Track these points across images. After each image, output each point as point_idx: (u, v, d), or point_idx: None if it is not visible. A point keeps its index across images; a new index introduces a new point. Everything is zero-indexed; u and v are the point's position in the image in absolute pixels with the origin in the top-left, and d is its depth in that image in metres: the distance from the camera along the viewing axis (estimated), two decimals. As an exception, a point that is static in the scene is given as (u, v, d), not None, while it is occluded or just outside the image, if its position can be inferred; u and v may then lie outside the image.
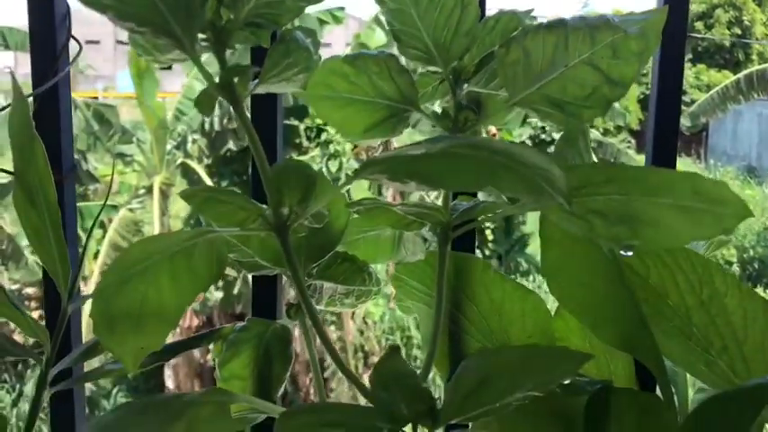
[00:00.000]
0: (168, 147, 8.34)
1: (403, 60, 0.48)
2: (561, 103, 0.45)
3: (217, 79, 0.37)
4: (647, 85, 17.86)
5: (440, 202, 0.46)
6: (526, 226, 9.97)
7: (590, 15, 0.45)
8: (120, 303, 0.40)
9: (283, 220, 0.39)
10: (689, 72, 17.64)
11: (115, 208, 8.28)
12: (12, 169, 0.48)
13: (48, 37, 0.57)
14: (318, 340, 0.46)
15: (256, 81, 0.41)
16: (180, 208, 8.54)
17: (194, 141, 8.46)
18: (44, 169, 0.45)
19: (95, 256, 7.97)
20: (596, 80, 0.44)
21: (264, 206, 0.40)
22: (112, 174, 7.03)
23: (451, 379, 0.42)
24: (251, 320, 0.52)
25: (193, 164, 8.40)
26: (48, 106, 0.57)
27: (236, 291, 7.67)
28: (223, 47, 0.38)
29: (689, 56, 18.06)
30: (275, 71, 0.41)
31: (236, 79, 0.37)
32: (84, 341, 0.57)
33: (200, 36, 0.38)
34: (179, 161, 8.42)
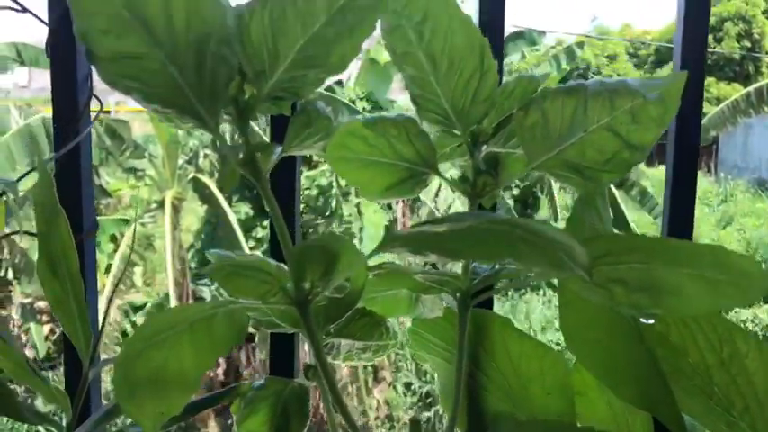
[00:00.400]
0: (180, 161, 8.38)
1: (421, 122, 0.48)
2: (580, 167, 0.45)
3: (240, 154, 0.38)
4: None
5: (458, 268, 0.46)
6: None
7: (608, 79, 0.45)
8: (141, 371, 0.41)
9: (305, 295, 0.40)
10: (699, 85, 17.57)
11: (127, 222, 8.33)
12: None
13: (70, 98, 0.57)
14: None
15: (278, 151, 0.41)
16: (191, 222, 8.57)
17: (206, 156, 8.50)
18: (67, 240, 0.45)
19: (107, 269, 8.01)
20: (616, 145, 0.44)
21: (285, 272, 0.40)
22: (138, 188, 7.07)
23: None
24: (269, 379, 0.52)
25: (205, 178, 8.44)
26: (69, 166, 0.58)
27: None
28: (246, 122, 0.38)
29: (699, 68, 17.99)
30: (296, 141, 0.41)
31: (258, 155, 0.38)
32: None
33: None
34: (190, 176, 8.46)
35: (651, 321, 0.47)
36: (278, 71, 0.38)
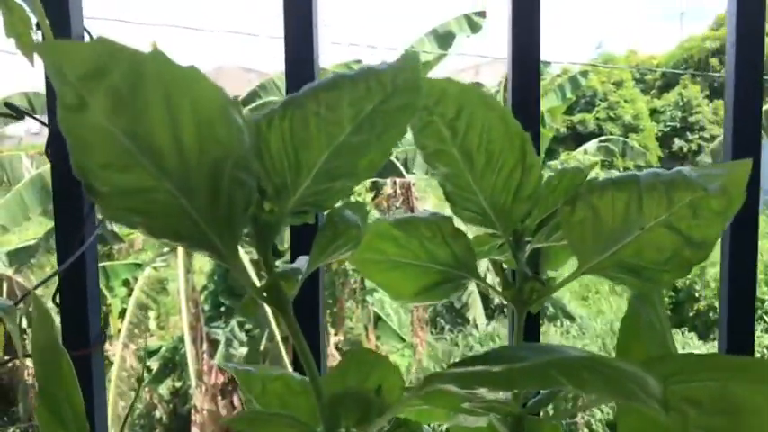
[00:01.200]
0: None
1: (456, 220, 0.44)
2: (637, 268, 0.41)
3: (257, 280, 0.33)
4: (665, 123, 17.83)
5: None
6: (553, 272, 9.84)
7: (662, 170, 0.41)
8: None
9: None
10: (707, 108, 17.58)
11: (140, 266, 8.33)
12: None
13: (73, 203, 0.54)
14: None
15: (302, 267, 0.37)
16: (203, 263, 8.55)
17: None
18: (70, 382, 0.41)
19: (121, 314, 7.99)
20: (676, 243, 0.40)
21: (316, 418, 0.36)
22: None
23: None
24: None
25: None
26: (74, 276, 0.54)
27: (261, 347, 7.61)
28: (267, 243, 0.34)
29: (705, 92, 18.03)
30: (323, 257, 0.37)
31: (282, 282, 0.33)
32: None
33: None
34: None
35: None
36: (301, 186, 0.34)
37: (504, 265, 0.48)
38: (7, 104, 0.65)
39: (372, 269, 0.45)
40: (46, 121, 0.67)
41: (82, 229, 0.54)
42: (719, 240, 0.70)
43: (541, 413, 0.58)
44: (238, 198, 0.31)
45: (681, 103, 17.91)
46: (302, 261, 0.39)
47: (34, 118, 0.62)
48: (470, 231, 0.45)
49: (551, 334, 9.54)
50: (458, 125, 0.40)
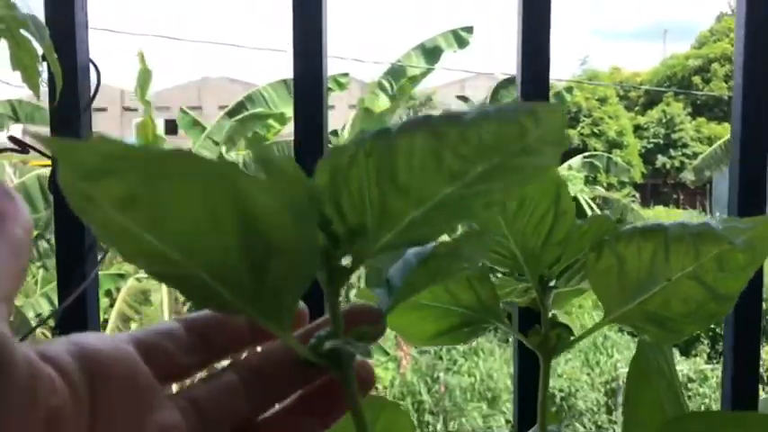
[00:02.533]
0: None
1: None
2: (662, 319, 0.41)
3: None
4: (648, 139, 18.02)
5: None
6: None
7: (689, 221, 0.41)
8: None
9: None
10: (689, 125, 17.80)
11: (122, 277, 8.25)
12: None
13: (75, 238, 0.53)
14: None
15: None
16: (187, 275, 8.49)
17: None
18: None
19: (103, 326, 7.91)
20: (701, 295, 0.40)
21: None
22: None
23: None
24: None
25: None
26: (75, 314, 0.53)
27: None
28: (336, 295, 0.30)
29: (688, 110, 18.25)
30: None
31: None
32: None
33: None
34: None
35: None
36: (387, 233, 0.28)
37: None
38: (11, 138, 0.65)
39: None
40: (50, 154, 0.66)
41: (83, 265, 0.53)
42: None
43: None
44: (291, 283, 0.27)
45: (664, 120, 18.11)
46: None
47: (42, 153, 0.61)
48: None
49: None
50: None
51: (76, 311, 0.53)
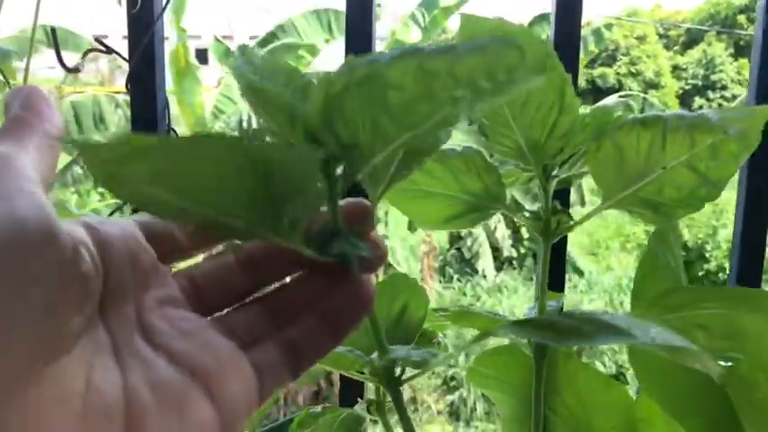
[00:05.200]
0: (206, 144, 8.40)
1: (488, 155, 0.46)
2: (656, 204, 0.44)
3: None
4: (687, 80, 17.53)
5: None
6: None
7: (686, 112, 0.44)
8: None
9: (390, 369, 0.38)
10: (730, 67, 17.27)
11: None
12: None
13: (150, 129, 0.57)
14: None
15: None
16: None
17: (232, 139, 8.52)
18: None
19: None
20: (694, 182, 0.43)
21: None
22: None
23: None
24: (326, 407, 0.51)
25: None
26: None
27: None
28: (336, 203, 0.31)
29: (730, 50, 17.66)
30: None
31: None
32: None
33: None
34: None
35: (729, 364, 0.45)
36: (380, 152, 0.30)
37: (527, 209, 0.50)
38: (97, 40, 0.68)
39: (401, 197, 0.48)
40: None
41: None
42: (734, 202, 0.72)
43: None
44: (304, 215, 0.29)
45: (704, 61, 17.59)
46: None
47: (118, 54, 0.64)
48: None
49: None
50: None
51: None
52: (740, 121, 0.42)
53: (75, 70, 0.67)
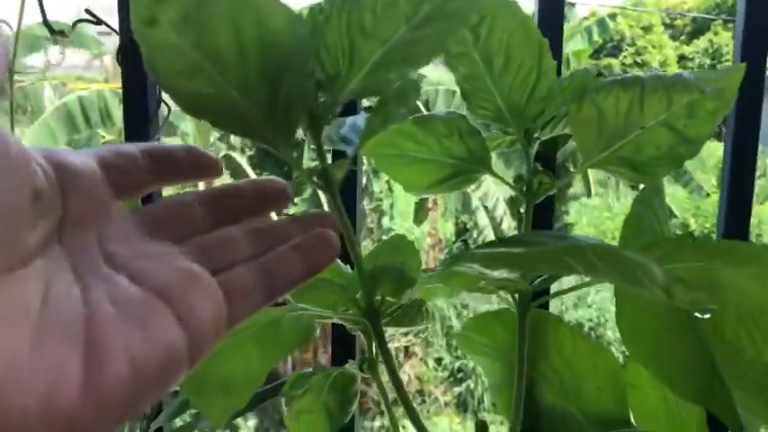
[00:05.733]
0: (211, 138, 8.43)
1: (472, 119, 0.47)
2: (636, 163, 0.45)
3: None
4: (693, 70, 17.39)
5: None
6: (569, 216, 9.86)
7: (664, 74, 0.44)
8: (209, 370, 0.42)
9: (375, 309, 0.40)
10: (737, 54, 17.11)
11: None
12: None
13: (140, 103, 0.58)
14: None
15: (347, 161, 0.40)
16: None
17: (237, 133, 8.53)
18: None
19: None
20: (672, 140, 0.44)
21: (352, 276, 0.40)
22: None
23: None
24: (318, 367, 0.53)
25: (237, 156, 8.49)
26: None
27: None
28: (320, 131, 0.37)
29: (737, 38, 17.50)
30: (372, 136, 0.40)
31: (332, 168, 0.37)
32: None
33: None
34: (222, 153, 8.52)
35: (707, 315, 0.46)
36: (356, 77, 0.35)
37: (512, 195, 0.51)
38: (87, 11, 0.69)
39: (388, 163, 0.49)
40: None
41: (147, 127, 0.58)
42: (721, 174, 0.73)
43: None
44: (296, 100, 0.34)
45: (710, 50, 17.49)
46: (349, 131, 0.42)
47: (107, 25, 0.65)
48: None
49: (565, 279, 9.59)
50: (480, 30, 0.43)
51: None
52: (716, 81, 0.43)
53: (61, 33, 0.68)
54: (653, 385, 0.54)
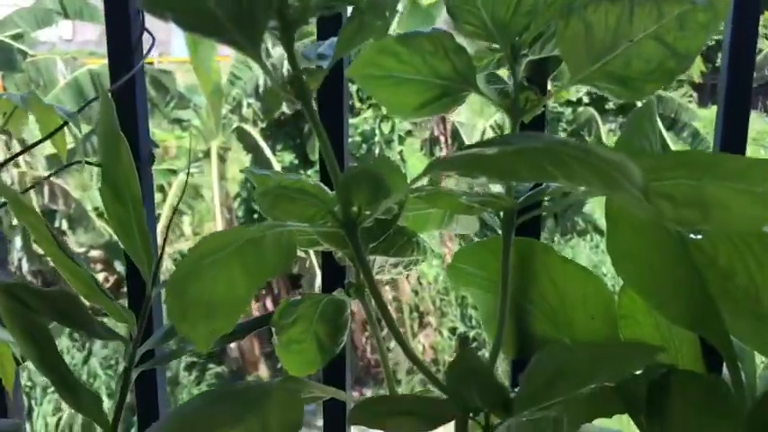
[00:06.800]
0: (224, 111, 8.44)
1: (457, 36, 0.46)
2: (624, 78, 0.44)
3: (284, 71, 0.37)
4: (712, 36, 17.11)
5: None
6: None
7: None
8: (192, 292, 0.41)
9: (353, 219, 0.39)
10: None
11: (174, 173, 8.46)
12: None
13: (123, 31, 0.58)
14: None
15: (326, 62, 0.40)
16: (237, 171, 8.65)
17: (249, 105, 8.53)
18: (128, 166, 0.47)
19: (156, 219, 8.18)
20: (662, 54, 0.42)
21: (332, 195, 0.40)
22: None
23: (524, 372, 0.41)
24: (307, 294, 0.53)
25: (249, 128, 8.49)
26: (125, 98, 0.59)
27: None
28: (291, 36, 0.36)
29: (757, 3, 17.20)
30: (348, 47, 0.40)
31: (305, 76, 0.36)
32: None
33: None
34: (235, 125, 8.52)
35: (699, 236, 0.45)
36: None
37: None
38: None
39: (374, 85, 0.48)
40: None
41: (131, 56, 0.58)
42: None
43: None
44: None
45: (728, 16, 17.16)
46: (327, 59, 0.41)
47: None
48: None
49: (581, 248, 9.57)
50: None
51: (126, 97, 0.59)
52: (708, -9, 0.42)
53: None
54: (646, 314, 0.53)
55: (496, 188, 0.47)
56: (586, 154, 0.32)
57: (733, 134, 0.62)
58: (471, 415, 0.40)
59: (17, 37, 7.50)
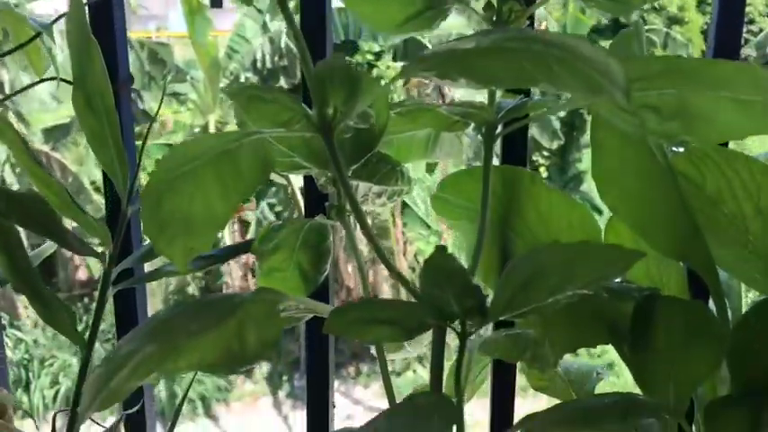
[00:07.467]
0: (221, 85, 8.38)
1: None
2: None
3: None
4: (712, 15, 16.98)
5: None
6: (582, 164, 9.79)
7: None
8: (168, 205, 0.40)
9: (328, 121, 0.38)
10: (759, 0, 16.74)
11: (171, 147, 8.41)
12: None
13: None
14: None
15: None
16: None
17: (246, 79, 8.47)
18: (101, 75, 0.45)
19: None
20: (650, -35, 0.42)
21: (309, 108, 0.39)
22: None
23: (502, 275, 0.41)
24: (287, 219, 0.52)
25: (246, 102, 8.43)
26: (102, 16, 0.57)
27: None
28: None
29: (759, -18, 17.08)
30: None
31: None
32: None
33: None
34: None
35: (681, 150, 0.45)
36: None
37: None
38: None
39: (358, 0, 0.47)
40: None
41: (111, 12, 0.57)
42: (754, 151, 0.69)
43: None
44: None
45: (731, -5, 17.01)
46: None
47: None
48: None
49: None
50: None
51: (103, 14, 0.57)
52: None
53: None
54: (632, 244, 0.52)
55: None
56: (567, 52, 0.32)
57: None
58: (447, 322, 0.39)
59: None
